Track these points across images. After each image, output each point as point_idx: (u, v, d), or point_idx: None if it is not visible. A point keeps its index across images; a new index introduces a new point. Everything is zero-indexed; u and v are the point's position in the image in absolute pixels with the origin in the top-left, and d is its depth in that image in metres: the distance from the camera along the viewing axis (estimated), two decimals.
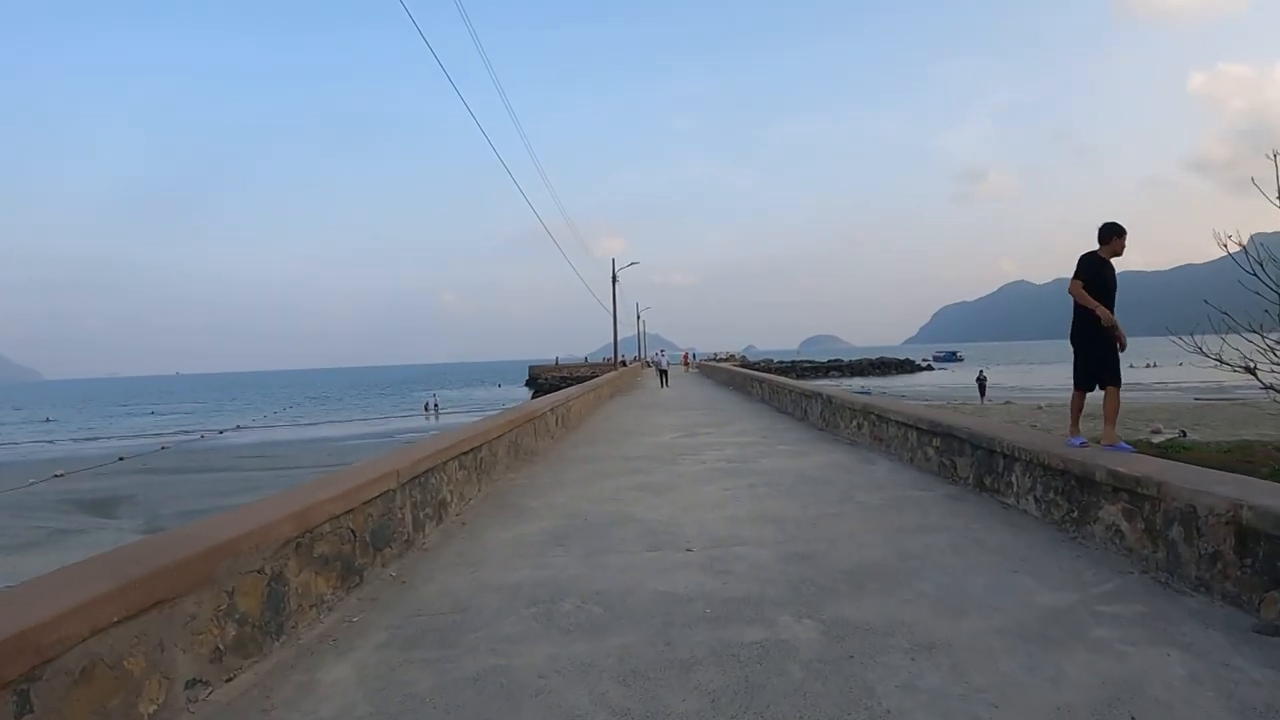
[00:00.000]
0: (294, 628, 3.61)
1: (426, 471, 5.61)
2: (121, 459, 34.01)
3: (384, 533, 4.76)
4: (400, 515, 5.04)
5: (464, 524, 5.97)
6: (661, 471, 8.32)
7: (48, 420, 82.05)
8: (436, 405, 68.59)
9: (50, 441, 53.87)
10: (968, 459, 6.77)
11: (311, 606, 3.82)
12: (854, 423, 10.81)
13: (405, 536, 5.10)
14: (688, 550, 4.87)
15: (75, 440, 54.35)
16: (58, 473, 29.66)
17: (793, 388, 16.41)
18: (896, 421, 8.87)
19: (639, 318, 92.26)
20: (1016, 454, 5.82)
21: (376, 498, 4.65)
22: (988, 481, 6.36)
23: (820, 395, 13.25)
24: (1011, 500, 5.92)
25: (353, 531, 4.33)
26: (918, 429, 8.08)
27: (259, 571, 3.38)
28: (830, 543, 4.95)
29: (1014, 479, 5.90)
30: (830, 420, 12.24)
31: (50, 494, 24.84)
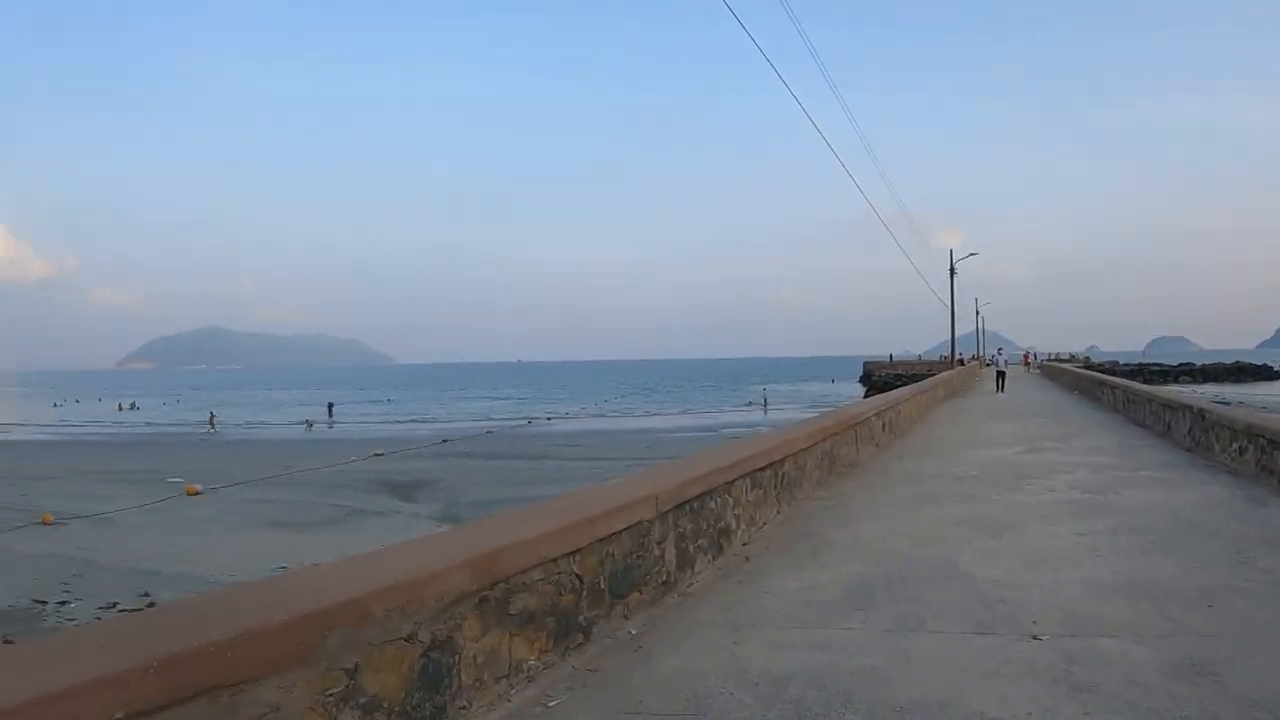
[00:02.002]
0: (463, 709, 2.65)
1: (701, 495, 4.60)
2: (445, 441, 34.08)
3: (629, 576, 3.75)
4: (657, 552, 4.07)
5: (747, 559, 4.95)
6: (999, 500, 6.74)
7: (388, 401, 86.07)
8: (765, 400, 67.81)
9: (383, 422, 56.17)
10: None
11: (500, 679, 2.85)
12: (1234, 446, 8.32)
13: (664, 578, 4.13)
14: (1034, 638, 3.38)
15: (407, 422, 56.27)
16: (378, 452, 30.08)
17: (1153, 396, 13.51)
18: None
19: (977, 314, 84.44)
20: None
21: (621, 531, 3.63)
22: None
23: (1190, 409, 10.52)
24: None
25: (578, 577, 3.33)
26: None
27: (407, 639, 2.44)
28: (1236, 642, 3.24)
29: None
30: (1202, 440, 9.60)
31: (364, 473, 24.59)
